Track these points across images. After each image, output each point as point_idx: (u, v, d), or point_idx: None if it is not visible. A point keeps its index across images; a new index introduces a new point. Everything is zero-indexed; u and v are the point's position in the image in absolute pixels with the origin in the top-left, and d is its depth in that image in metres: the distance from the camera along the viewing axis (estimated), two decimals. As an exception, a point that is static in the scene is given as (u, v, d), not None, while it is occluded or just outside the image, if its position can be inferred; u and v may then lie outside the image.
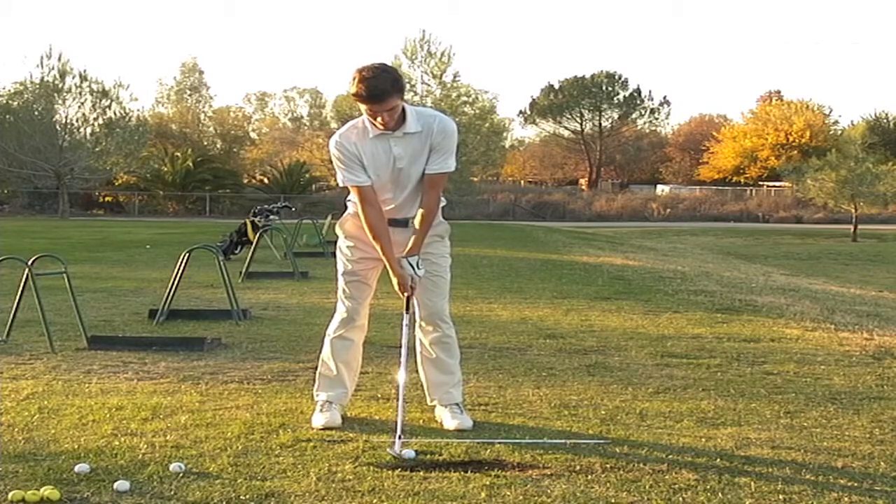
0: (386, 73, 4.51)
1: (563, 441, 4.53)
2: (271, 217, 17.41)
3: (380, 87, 4.46)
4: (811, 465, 4.19)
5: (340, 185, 4.82)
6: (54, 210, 47.16)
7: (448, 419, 4.82)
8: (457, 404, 4.91)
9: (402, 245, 4.75)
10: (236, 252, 16.41)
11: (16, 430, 4.68)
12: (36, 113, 46.77)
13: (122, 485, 3.77)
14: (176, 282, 8.69)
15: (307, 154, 65.45)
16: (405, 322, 4.76)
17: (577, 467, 4.10)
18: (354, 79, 4.50)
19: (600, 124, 74.62)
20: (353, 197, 4.79)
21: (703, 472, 4.06)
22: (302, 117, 77.07)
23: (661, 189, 64.93)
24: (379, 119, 4.56)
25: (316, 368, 5.21)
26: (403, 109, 4.62)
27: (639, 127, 76.40)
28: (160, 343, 7.18)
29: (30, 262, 7.32)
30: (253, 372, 6.25)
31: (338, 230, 4.98)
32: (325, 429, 4.69)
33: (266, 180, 58.20)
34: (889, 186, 40.53)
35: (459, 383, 5.01)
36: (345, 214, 4.94)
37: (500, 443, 4.47)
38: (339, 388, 4.93)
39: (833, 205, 43.33)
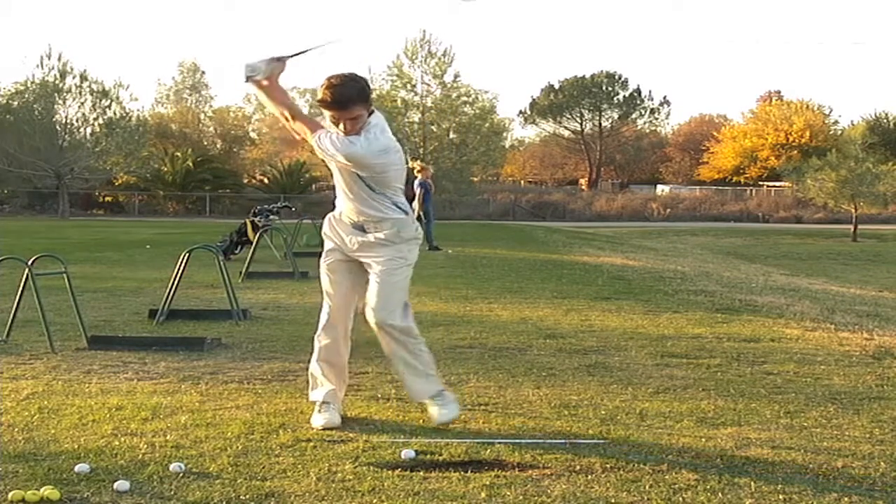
0: (353, 82, 4.65)
1: (563, 441, 4.54)
2: (271, 217, 17.41)
3: (345, 94, 4.60)
4: (811, 465, 4.19)
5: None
6: (54, 210, 47.19)
7: (434, 413, 4.83)
8: (438, 394, 4.87)
9: (362, 246, 4.84)
10: (236, 252, 16.41)
11: (16, 430, 4.68)
12: (36, 113, 46.84)
13: (122, 485, 3.77)
14: (176, 282, 8.69)
15: (307, 154, 65.45)
16: None
17: (577, 467, 4.11)
18: (322, 85, 4.64)
19: (600, 124, 74.61)
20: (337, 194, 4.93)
21: (703, 472, 4.07)
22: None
23: (661, 189, 64.90)
24: (341, 126, 4.68)
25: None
26: (368, 121, 4.69)
27: (639, 127, 76.38)
28: (160, 343, 7.18)
29: (30, 262, 7.32)
30: (253, 372, 6.25)
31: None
32: (324, 429, 4.70)
33: (266, 180, 58.21)
34: (889, 186, 40.48)
35: (422, 375, 4.90)
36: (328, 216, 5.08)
37: (500, 443, 4.47)
38: (328, 387, 4.95)
39: (833, 205, 43.29)
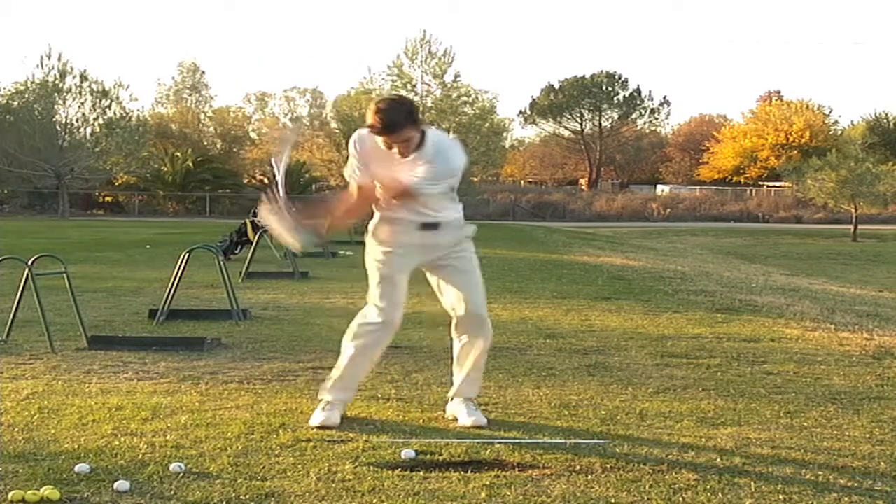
0: (400, 106, 4.67)
1: (563, 441, 4.53)
2: (271, 217, 17.36)
3: (394, 119, 4.60)
4: (811, 465, 4.19)
5: (346, 176, 4.87)
6: (54, 210, 47.19)
7: (464, 416, 4.87)
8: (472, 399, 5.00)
9: (433, 248, 4.84)
10: (236, 252, 16.41)
11: (16, 430, 4.68)
12: (36, 113, 46.82)
13: (122, 485, 3.77)
14: (176, 282, 8.69)
15: (307, 154, 65.47)
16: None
17: (577, 467, 4.10)
18: (370, 110, 4.66)
19: (600, 124, 74.60)
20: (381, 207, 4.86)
21: (703, 472, 4.07)
22: (302, 117, 77.10)
23: (661, 189, 64.90)
24: (394, 149, 4.68)
25: (315, 368, 5.22)
26: (424, 137, 4.70)
27: (639, 127, 76.37)
28: (160, 343, 7.18)
29: (30, 262, 7.32)
30: (253, 372, 6.25)
31: (370, 239, 4.94)
32: (322, 428, 4.69)
33: (266, 180, 58.20)
34: (889, 186, 40.52)
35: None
36: (373, 222, 4.95)
37: (500, 443, 4.47)
38: (351, 392, 4.98)
39: (833, 205, 43.32)
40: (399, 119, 4.59)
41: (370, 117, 4.63)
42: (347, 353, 4.94)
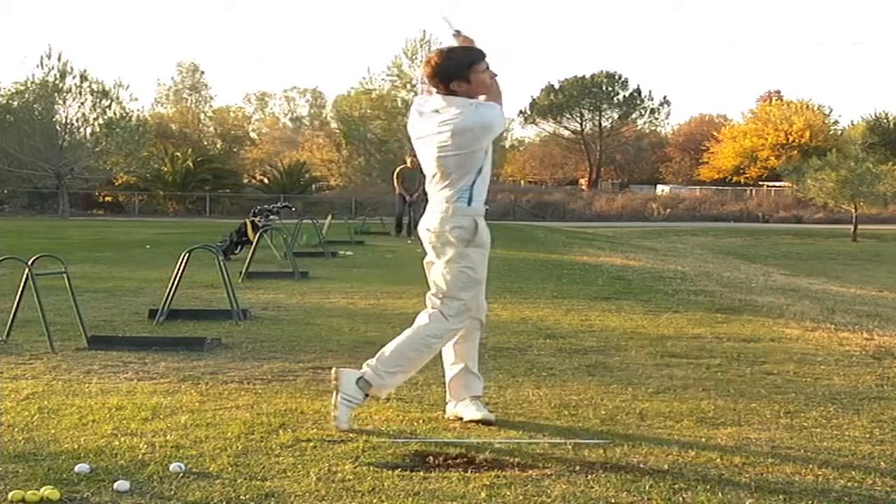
0: (463, 53, 4.82)
1: (563, 441, 4.53)
2: (271, 217, 17.38)
3: (450, 69, 4.71)
4: (811, 465, 4.19)
5: (503, 122, 4.91)
6: (54, 210, 47.19)
7: (473, 411, 4.85)
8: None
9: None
10: (236, 252, 16.39)
11: (16, 430, 4.68)
12: (36, 113, 46.84)
13: (122, 485, 3.77)
14: (176, 282, 8.69)
15: (307, 154, 65.53)
16: None
17: (577, 467, 4.10)
18: (454, 52, 4.79)
19: (600, 124, 74.55)
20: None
21: (703, 472, 4.07)
22: (302, 117, 77.23)
23: (661, 189, 64.89)
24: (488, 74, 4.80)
25: (315, 368, 5.19)
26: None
27: (639, 127, 76.30)
28: (160, 343, 7.18)
29: (30, 262, 7.32)
30: (253, 372, 6.25)
31: (461, 242, 4.71)
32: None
33: (266, 180, 58.23)
34: (889, 186, 40.57)
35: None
36: (464, 221, 4.73)
37: (499, 443, 4.47)
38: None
39: (833, 205, 43.36)
40: (452, 68, 4.69)
41: (470, 52, 4.75)
42: (425, 352, 4.85)
